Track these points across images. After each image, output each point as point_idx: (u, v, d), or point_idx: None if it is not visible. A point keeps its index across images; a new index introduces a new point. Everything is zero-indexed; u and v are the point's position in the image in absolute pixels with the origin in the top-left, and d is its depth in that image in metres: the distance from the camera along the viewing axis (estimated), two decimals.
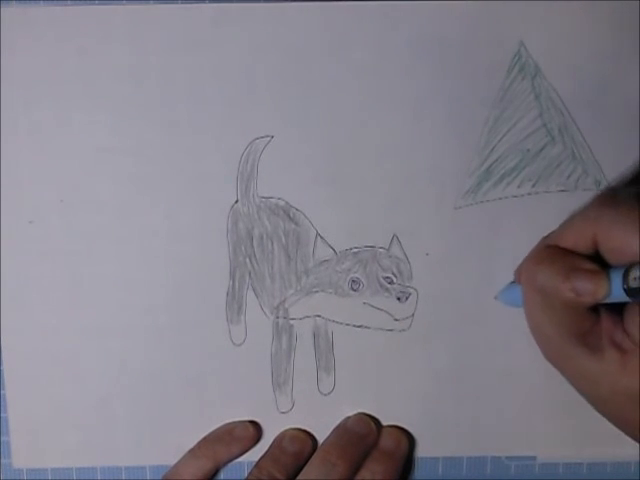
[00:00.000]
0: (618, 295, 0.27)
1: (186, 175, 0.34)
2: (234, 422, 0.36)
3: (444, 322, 0.35)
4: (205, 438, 0.35)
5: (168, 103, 0.33)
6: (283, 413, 0.36)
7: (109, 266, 0.34)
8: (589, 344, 0.28)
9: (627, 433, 0.29)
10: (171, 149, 0.34)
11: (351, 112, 0.33)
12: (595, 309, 0.28)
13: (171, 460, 0.35)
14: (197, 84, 0.33)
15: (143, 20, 0.33)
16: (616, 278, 0.27)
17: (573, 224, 0.30)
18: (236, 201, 0.34)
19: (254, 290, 0.35)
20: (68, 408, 0.35)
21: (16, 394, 0.35)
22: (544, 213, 0.33)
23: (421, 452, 0.36)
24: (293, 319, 0.35)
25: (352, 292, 0.34)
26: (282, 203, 0.34)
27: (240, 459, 0.36)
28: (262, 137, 0.34)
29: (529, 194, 0.34)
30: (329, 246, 0.34)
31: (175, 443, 0.35)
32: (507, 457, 0.36)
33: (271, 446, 0.35)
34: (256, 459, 0.35)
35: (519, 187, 0.34)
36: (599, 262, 0.28)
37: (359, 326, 0.35)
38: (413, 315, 0.35)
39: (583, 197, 0.34)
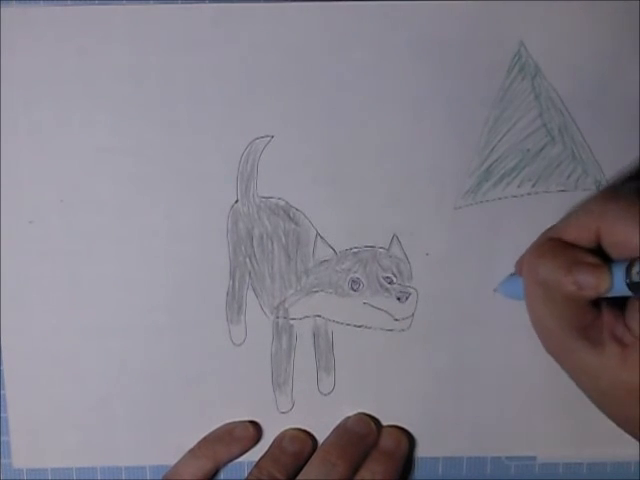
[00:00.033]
0: (620, 289, 0.27)
1: (186, 175, 0.34)
2: (234, 422, 0.36)
3: (444, 322, 0.35)
4: (205, 438, 0.35)
5: (168, 103, 0.33)
6: (283, 413, 0.36)
7: (109, 266, 0.34)
8: (590, 338, 0.28)
9: (625, 429, 0.29)
10: (171, 149, 0.34)
11: (351, 112, 0.33)
12: (596, 303, 0.28)
13: (171, 460, 0.35)
14: (197, 84, 0.33)
15: (143, 20, 0.33)
16: (618, 272, 0.27)
17: (576, 217, 0.29)
18: (236, 201, 0.34)
19: (254, 290, 0.35)
20: (68, 408, 0.35)
21: (16, 394, 0.35)
22: (544, 213, 0.33)
23: (421, 452, 0.36)
24: (293, 319, 0.35)
25: (352, 292, 0.34)
26: (282, 203, 0.34)
27: (240, 459, 0.36)
28: (262, 137, 0.34)
29: (529, 194, 0.34)
30: (329, 246, 0.34)
31: (175, 443, 0.35)
32: (507, 457, 0.36)
33: (271, 446, 0.35)
34: (256, 459, 0.35)
35: (519, 187, 0.34)
36: (601, 256, 0.28)
37: (359, 326, 0.35)
38: (413, 315, 0.35)
39: (583, 197, 0.34)
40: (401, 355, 0.35)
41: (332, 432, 0.35)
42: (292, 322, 0.35)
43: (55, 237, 0.34)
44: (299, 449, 0.35)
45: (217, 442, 0.35)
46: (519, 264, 0.33)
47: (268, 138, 0.34)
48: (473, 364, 0.35)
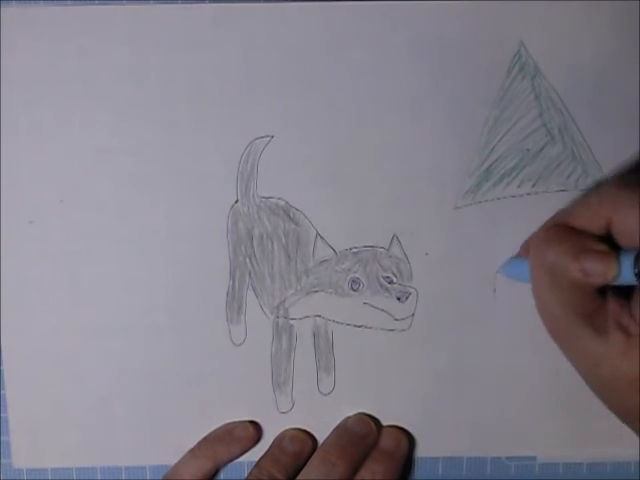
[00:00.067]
0: (627, 278, 0.27)
1: (186, 175, 0.34)
2: (234, 422, 0.36)
3: (444, 322, 0.35)
4: (205, 438, 0.35)
5: (168, 103, 0.33)
6: (283, 413, 0.36)
7: (109, 266, 0.34)
8: (595, 325, 0.28)
9: (624, 420, 0.29)
10: (171, 149, 0.34)
11: (351, 112, 0.33)
12: (602, 291, 0.28)
13: (171, 460, 0.35)
14: (197, 84, 0.33)
15: (143, 20, 0.33)
16: (626, 261, 0.27)
17: (587, 204, 0.29)
18: (236, 201, 0.34)
19: (254, 290, 0.35)
20: (68, 408, 0.35)
21: (16, 394, 0.35)
22: (544, 213, 0.33)
23: (421, 452, 0.36)
24: (293, 319, 0.35)
25: (352, 292, 0.34)
26: (282, 203, 0.34)
27: (240, 459, 0.36)
28: (262, 137, 0.34)
29: (529, 194, 0.34)
30: (329, 246, 0.34)
31: (175, 443, 0.35)
32: (507, 457, 0.36)
33: (271, 446, 0.35)
34: (256, 459, 0.35)
35: (519, 187, 0.34)
36: (610, 244, 0.28)
37: (359, 326, 0.35)
38: (413, 315, 0.35)
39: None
40: (401, 355, 0.35)
41: (332, 432, 0.35)
42: (292, 322, 0.35)
43: (55, 237, 0.34)
44: (299, 449, 0.35)
45: (217, 442, 0.35)
46: (525, 246, 0.33)
47: (268, 138, 0.34)
48: (473, 364, 0.35)
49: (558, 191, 0.34)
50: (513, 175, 0.34)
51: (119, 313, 0.35)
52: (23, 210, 0.34)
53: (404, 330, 0.35)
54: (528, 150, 0.34)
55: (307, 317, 0.35)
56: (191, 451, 0.35)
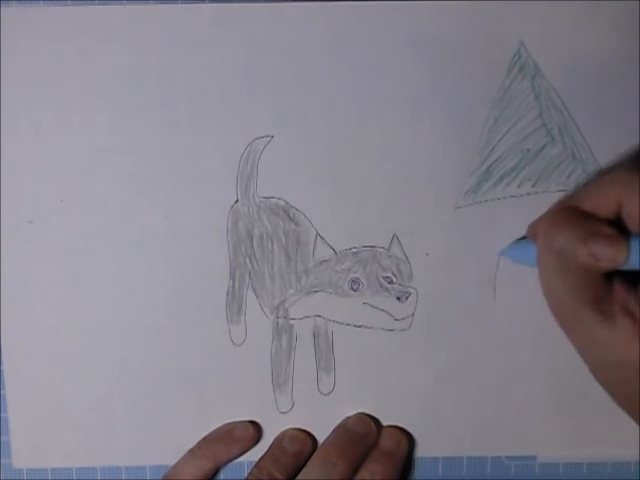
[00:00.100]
0: (636, 263, 0.27)
1: (186, 175, 0.34)
2: (234, 422, 0.36)
3: (444, 322, 0.35)
4: (205, 438, 0.35)
5: (168, 103, 0.33)
6: (283, 413, 0.36)
7: (109, 266, 0.34)
8: (602, 311, 0.27)
9: (627, 409, 0.29)
10: (171, 149, 0.34)
11: (351, 112, 0.33)
12: (608, 277, 0.28)
13: (171, 460, 0.35)
14: (197, 84, 0.33)
15: (143, 20, 0.33)
16: (636, 245, 0.27)
17: (598, 186, 0.29)
18: (236, 201, 0.34)
19: (254, 290, 0.35)
20: (68, 408, 0.35)
21: (16, 394, 0.35)
22: None
23: (421, 452, 0.36)
24: (293, 319, 0.35)
25: (352, 292, 0.34)
26: (282, 203, 0.34)
27: (240, 459, 0.36)
28: (262, 137, 0.34)
29: (529, 194, 0.34)
30: (329, 246, 0.34)
31: (175, 443, 0.35)
32: (507, 457, 0.36)
33: (271, 446, 0.35)
34: (256, 459, 0.35)
35: (519, 187, 0.34)
36: (619, 229, 0.28)
37: (359, 326, 0.35)
38: (413, 315, 0.35)
39: None
40: (401, 355, 0.35)
41: (332, 432, 0.35)
42: (292, 322, 0.35)
43: (55, 237, 0.34)
44: (299, 449, 0.35)
45: (217, 442, 0.35)
46: (531, 229, 0.33)
47: (268, 138, 0.34)
48: (473, 364, 0.35)
49: (558, 191, 0.34)
50: (513, 175, 0.34)
51: (119, 313, 0.35)
52: (23, 210, 0.34)
53: (404, 330, 0.35)
54: (528, 150, 0.34)
55: (307, 317, 0.35)
56: (191, 451, 0.35)
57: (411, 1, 0.33)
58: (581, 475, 0.36)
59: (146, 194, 0.34)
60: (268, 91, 0.33)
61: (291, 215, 0.34)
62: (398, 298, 0.34)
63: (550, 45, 0.33)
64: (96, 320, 0.35)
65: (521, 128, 0.34)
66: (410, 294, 0.34)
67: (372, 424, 0.35)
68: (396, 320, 0.35)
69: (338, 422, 0.35)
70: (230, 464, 0.36)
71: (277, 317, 0.35)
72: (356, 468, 0.34)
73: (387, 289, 0.34)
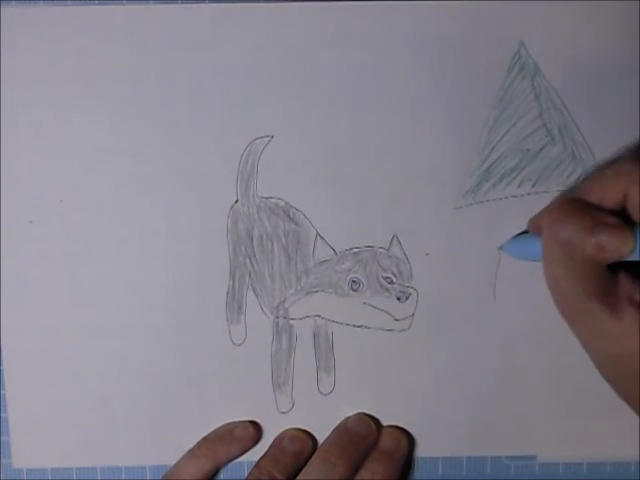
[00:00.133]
0: None
1: (186, 175, 0.34)
2: (234, 422, 0.36)
3: (444, 322, 0.35)
4: (205, 438, 0.35)
5: (168, 103, 0.33)
6: (283, 413, 0.36)
7: (109, 266, 0.34)
8: (608, 302, 0.27)
9: (630, 402, 0.28)
10: (171, 149, 0.34)
11: (351, 112, 0.33)
12: (612, 269, 0.28)
13: (171, 460, 0.35)
14: (197, 84, 0.33)
15: (143, 20, 0.33)
16: None
17: (603, 177, 0.29)
18: (236, 201, 0.34)
19: (254, 290, 0.35)
20: (68, 408, 0.35)
21: (16, 394, 0.35)
22: None
23: (421, 452, 0.36)
24: (293, 319, 0.35)
25: (352, 292, 0.34)
26: (282, 203, 0.34)
27: (240, 459, 0.36)
28: (262, 137, 0.34)
29: (529, 194, 0.34)
30: (329, 246, 0.34)
31: (175, 443, 0.35)
32: (507, 457, 0.36)
33: (271, 446, 0.35)
34: (256, 459, 0.35)
35: (519, 187, 0.34)
36: (624, 219, 0.28)
37: (359, 326, 0.35)
38: (413, 315, 0.35)
39: None
40: (401, 355, 0.35)
41: (332, 432, 0.35)
42: (292, 322, 0.35)
43: (55, 237, 0.34)
44: (299, 449, 0.35)
45: (217, 442, 0.35)
46: (534, 222, 0.33)
47: (268, 138, 0.34)
48: (473, 364, 0.35)
49: (558, 191, 0.34)
50: (513, 175, 0.34)
51: (119, 313, 0.35)
52: (23, 210, 0.34)
53: (404, 330, 0.35)
54: (528, 150, 0.34)
55: (307, 317, 0.35)
56: (191, 451, 0.35)
57: (411, 1, 0.33)
58: (581, 475, 0.36)
59: (146, 194, 0.34)
60: (268, 91, 0.33)
61: (291, 215, 0.34)
62: (398, 298, 0.34)
63: (550, 45, 0.33)
64: (96, 320, 0.35)
65: (521, 128, 0.34)
66: (410, 294, 0.34)
67: (372, 424, 0.35)
68: (396, 320, 0.35)
69: (338, 422, 0.35)
70: (230, 464, 0.36)
71: (277, 317, 0.35)
72: (356, 468, 0.34)
73: (387, 289, 0.34)
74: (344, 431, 0.35)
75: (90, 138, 0.33)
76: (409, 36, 0.33)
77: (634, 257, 0.27)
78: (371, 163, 0.34)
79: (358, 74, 0.33)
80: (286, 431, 0.36)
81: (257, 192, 0.34)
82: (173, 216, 0.34)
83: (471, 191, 0.34)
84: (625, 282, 0.28)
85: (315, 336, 0.35)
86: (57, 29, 0.33)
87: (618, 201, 0.28)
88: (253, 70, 0.33)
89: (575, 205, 0.29)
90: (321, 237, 0.34)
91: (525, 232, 0.34)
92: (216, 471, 0.36)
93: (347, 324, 0.35)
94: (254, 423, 0.36)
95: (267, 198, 0.34)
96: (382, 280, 0.34)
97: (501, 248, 0.34)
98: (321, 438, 0.36)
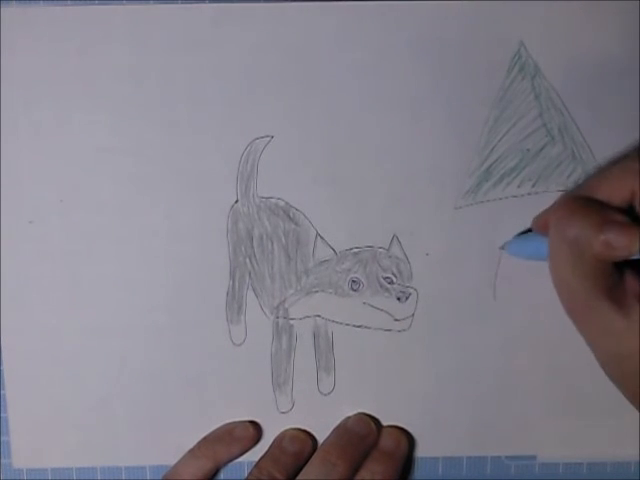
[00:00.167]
0: None
1: (186, 175, 0.34)
2: (234, 422, 0.36)
3: (444, 322, 0.35)
4: (205, 438, 0.35)
5: (168, 103, 0.33)
6: (283, 413, 0.36)
7: (109, 266, 0.34)
8: (615, 299, 0.27)
9: (635, 402, 0.28)
10: (171, 149, 0.34)
11: (351, 112, 0.33)
12: (618, 267, 0.28)
13: (171, 460, 0.35)
14: (197, 84, 0.33)
15: (143, 20, 0.33)
16: None
17: (611, 174, 0.29)
18: (236, 201, 0.34)
19: (254, 290, 0.35)
20: (68, 408, 0.35)
21: (16, 394, 0.35)
22: None
23: (421, 452, 0.36)
24: (293, 319, 0.35)
25: (352, 292, 0.34)
26: (282, 203, 0.34)
27: (240, 459, 0.36)
28: (262, 137, 0.34)
29: (529, 194, 0.34)
30: (329, 246, 0.34)
31: (175, 443, 0.35)
32: (507, 457, 0.36)
33: (271, 446, 0.35)
34: (256, 459, 0.35)
35: (519, 187, 0.34)
36: (632, 217, 0.28)
37: (359, 326, 0.35)
38: (413, 315, 0.35)
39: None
40: (401, 355, 0.35)
41: (332, 432, 0.35)
42: (292, 322, 0.35)
43: (55, 237, 0.34)
44: (299, 449, 0.35)
45: (217, 442, 0.35)
46: (538, 221, 0.33)
47: (268, 138, 0.34)
48: (473, 364, 0.35)
49: (558, 191, 0.34)
50: (513, 175, 0.34)
51: (119, 313, 0.35)
52: (23, 210, 0.34)
53: (404, 330, 0.35)
54: (528, 150, 0.34)
55: (307, 317, 0.35)
56: (191, 451, 0.35)
57: (411, 1, 0.33)
58: (581, 475, 0.36)
59: (146, 194, 0.34)
60: (268, 91, 0.33)
61: (291, 215, 0.34)
62: (398, 298, 0.34)
63: (550, 45, 0.33)
64: (96, 320, 0.35)
65: (521, 128, 0.34)
66: (410, 294, 0.34)
67: (372, 424, 0.35)
68: (396, 320, 0.35)
69: (338, 422, 0.35)
70: (230, 464, 0.36)
71: (277, 317, 0.35)
72: (356, 468, 0.34)
73: (387, 289, 0.34)
74: (344, 431, 0.35)
75: (90, 138, 0.33)
76: (409, 36, 0.33)
77: (638, 256, 0.27)
78: (371, 163, 0.34)
79: (358, 74, 0.33)
80: (286, 431, 0.36)
81: (257, 192, 0.34)
82: (173, 216, 0.34)
83: (471, 191, 0.34)
84: (632, 280, 0.28)
85: (315, 336, 0.35)
86: (57, 29, 0.33)
87: (625, 199, 0.28)
88: (253, 70, 0.33)
89: (582, 203, 0.29)
90: (321, 237, 0.34)
91: (525, 232, 0.34)
92: (216, 471, 0.36)
93: (347, 324, 0.35)
94: (254, 423, 0.36)
95: (267, 198, 0.34)
96: (382, 280, 0.34)
97: (502, 247, 0.34)
98: (321, 438, 0.36)
